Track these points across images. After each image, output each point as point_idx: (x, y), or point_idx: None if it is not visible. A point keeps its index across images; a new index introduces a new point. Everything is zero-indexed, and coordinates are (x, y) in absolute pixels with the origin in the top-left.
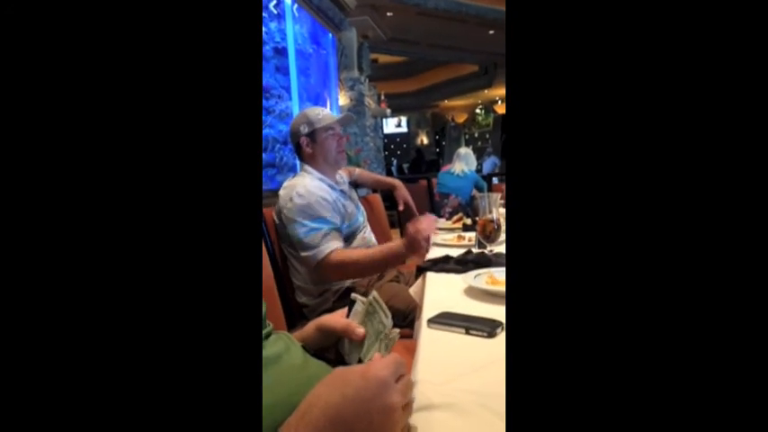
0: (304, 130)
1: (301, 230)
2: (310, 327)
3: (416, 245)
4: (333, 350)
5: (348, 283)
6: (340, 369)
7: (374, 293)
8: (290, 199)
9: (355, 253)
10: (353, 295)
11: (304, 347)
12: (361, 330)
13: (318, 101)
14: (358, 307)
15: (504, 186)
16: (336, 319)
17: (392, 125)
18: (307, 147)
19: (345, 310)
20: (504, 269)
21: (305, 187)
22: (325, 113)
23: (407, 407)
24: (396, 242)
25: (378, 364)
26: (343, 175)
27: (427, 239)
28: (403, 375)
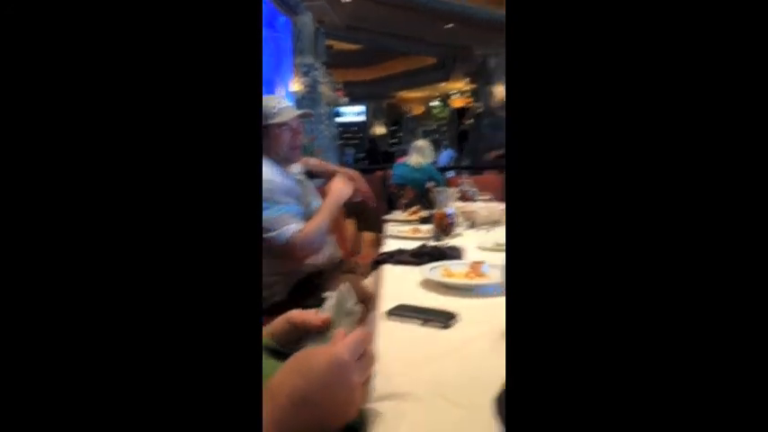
0: None
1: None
2: (280, 321)
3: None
4: (302, 343)
5: (300, 276)
6: (302, 352)
7: (346, 284)
8: None
9: (314, 222)
10: (324, 294)
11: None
12: (323, 316)
13: (269, 87)
14: (330, 302)
15: (460, 180)
16: (309, 314)
17: (352, 114)
18: None
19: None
20: (457, 261)
21: None
22: (281, 107)
23: (366, 379)
24: (334, 185)
25: (340, 346)
26: (297, 165)
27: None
28: (364, 353)
